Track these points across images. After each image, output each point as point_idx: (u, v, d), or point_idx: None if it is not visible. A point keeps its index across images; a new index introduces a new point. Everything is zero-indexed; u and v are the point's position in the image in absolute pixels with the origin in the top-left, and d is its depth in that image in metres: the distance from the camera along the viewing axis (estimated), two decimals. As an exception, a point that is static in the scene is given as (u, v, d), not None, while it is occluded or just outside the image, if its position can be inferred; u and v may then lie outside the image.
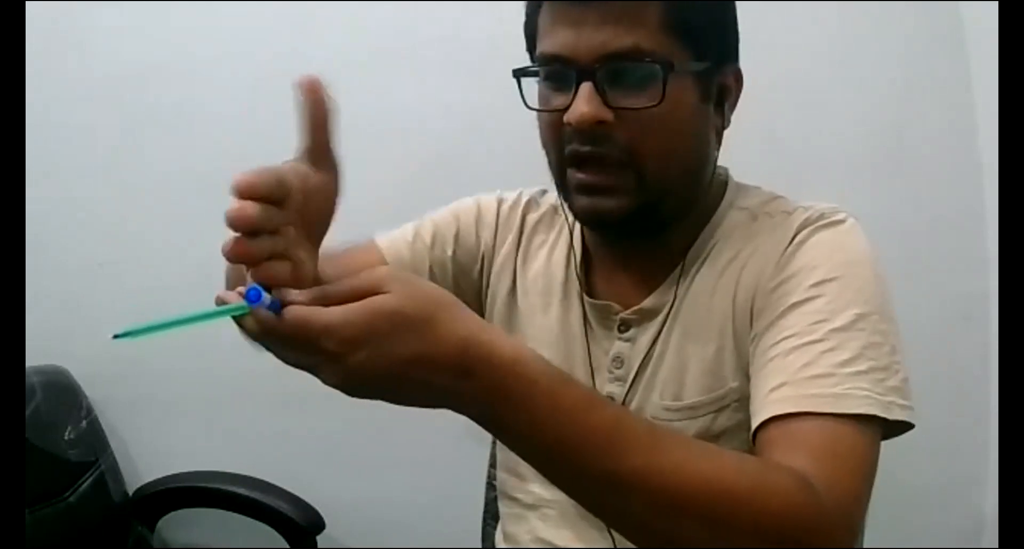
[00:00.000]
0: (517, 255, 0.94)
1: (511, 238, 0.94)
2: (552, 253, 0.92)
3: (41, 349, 1.39)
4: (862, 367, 0.70)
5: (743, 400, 0.78)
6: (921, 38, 1.53)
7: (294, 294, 0.54)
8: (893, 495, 1.19)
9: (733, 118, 0.83)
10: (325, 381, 0.54)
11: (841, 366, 0.70)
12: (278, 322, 0.52)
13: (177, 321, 0.51)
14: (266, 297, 0.52)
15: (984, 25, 1.35)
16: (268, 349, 0.55)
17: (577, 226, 0.89)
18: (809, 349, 0.71)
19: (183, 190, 1.59)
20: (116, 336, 0.49)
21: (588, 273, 0.90)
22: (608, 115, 0.74)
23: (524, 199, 0.95)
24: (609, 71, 0.74)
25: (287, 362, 0.55)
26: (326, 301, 0.53)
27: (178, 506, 1.61)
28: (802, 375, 0.70)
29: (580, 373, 0.87)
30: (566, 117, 0.75)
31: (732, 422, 0.80)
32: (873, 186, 1.54)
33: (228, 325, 0.54)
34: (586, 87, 0.73)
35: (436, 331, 0.53)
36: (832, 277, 0.75)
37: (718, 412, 0.81)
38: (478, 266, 0.95)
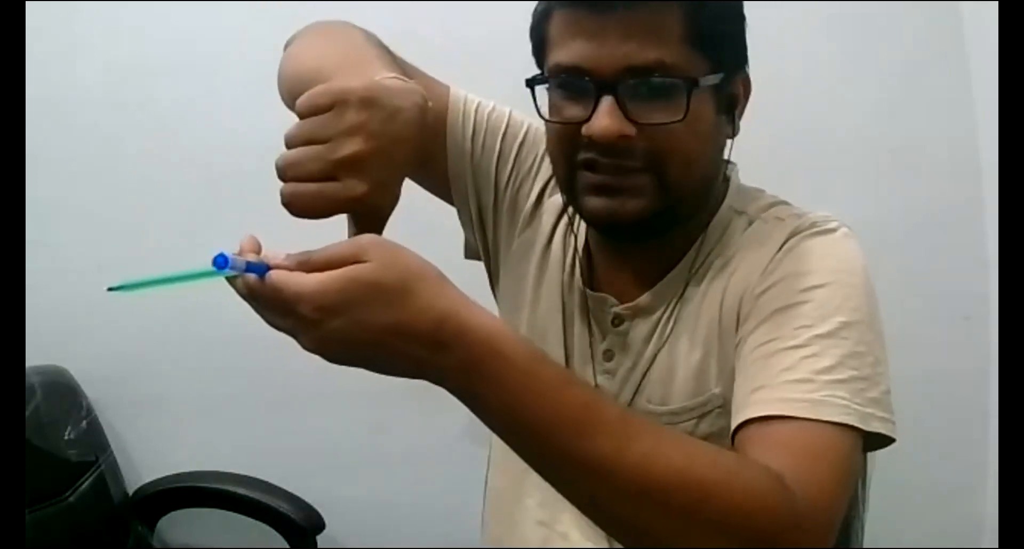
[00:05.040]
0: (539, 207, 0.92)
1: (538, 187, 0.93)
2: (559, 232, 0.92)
3: (41, 349, 1.39)
4: (842, 376, 0.69)
5: (725, 406, 0.78)
6: (921, 38, 1.53)
7: (279, 258, 0.55)
8: (893, 495, 1.19)
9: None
10: (304, 346, 0.55)
11: (821, 373, 0.69)
12: (260, 286, 0.54)
13: (165, 279, 0.55)
14: (237, 260, 0.54)
15: (984, 25, 1.35)
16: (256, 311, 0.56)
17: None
18: (791, 353, 0.71)
19: (183, 190, 1.59)
20: (111, 289, 0.54)
21: (589, 264, 0.89)
22: (631, 130, 0.73)
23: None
24: (631, 85, 0.73)
25: (270, 325, 0.56)
26: (308, 267, 0.54)
27: (178, 506, 1.61)
28: (781, 379, 0.69)
29: (575, 362, 0.87)
30: (586, 130, 0.74)
31: (714, 428, 0.80)
32: (873, 186, 1.54)
33: (231, 330, 0.54)
34: (607, 101, 0.73)
35: (413, 303, 0.53)
36: (820, 283, 0.74)
37: (701, 418, 0.81)
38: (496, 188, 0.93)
